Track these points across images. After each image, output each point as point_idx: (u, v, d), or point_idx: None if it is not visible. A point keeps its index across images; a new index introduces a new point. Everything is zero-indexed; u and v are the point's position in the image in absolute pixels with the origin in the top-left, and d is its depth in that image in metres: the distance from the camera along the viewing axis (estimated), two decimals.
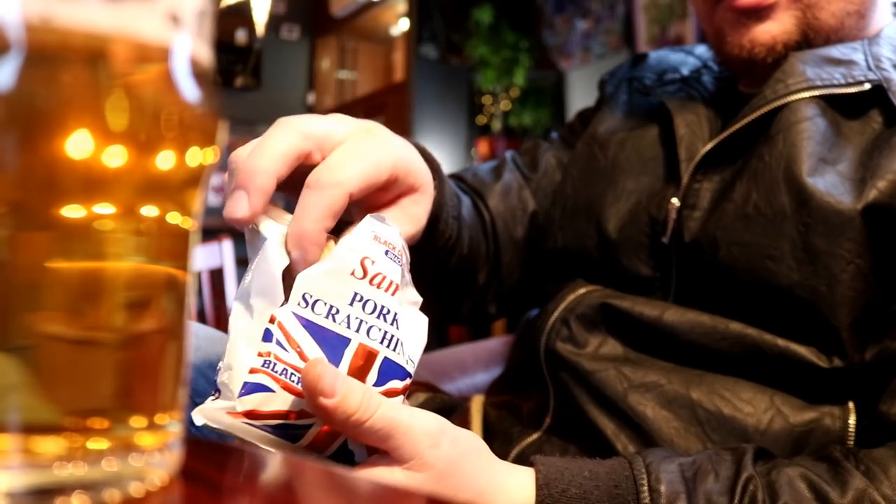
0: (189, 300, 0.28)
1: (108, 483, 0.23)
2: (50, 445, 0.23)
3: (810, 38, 0.68)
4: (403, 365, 0.44)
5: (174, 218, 0.26)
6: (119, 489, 0.23)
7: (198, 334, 0.62)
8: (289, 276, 0.43)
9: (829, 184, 0.60)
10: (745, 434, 0.60)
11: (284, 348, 0.41)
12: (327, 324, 0.42)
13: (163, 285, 0.26)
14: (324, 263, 0.42)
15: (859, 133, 0.63)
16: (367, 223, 0.44)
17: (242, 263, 0.48)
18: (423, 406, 0.77)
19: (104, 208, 0.24)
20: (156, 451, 0.25)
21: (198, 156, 0.26)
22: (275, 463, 0.32)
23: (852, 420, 0.58)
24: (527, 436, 0.69)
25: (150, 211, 0.25)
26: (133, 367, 0.25)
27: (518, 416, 0.72)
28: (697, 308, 0.65)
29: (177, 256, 0.27)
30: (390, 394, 0.43)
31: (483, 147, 4.02)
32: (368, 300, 0.43)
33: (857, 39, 0.69)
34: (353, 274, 0.42)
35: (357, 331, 0.43)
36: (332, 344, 0.42)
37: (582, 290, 0.72)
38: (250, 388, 0.41)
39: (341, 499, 0.27)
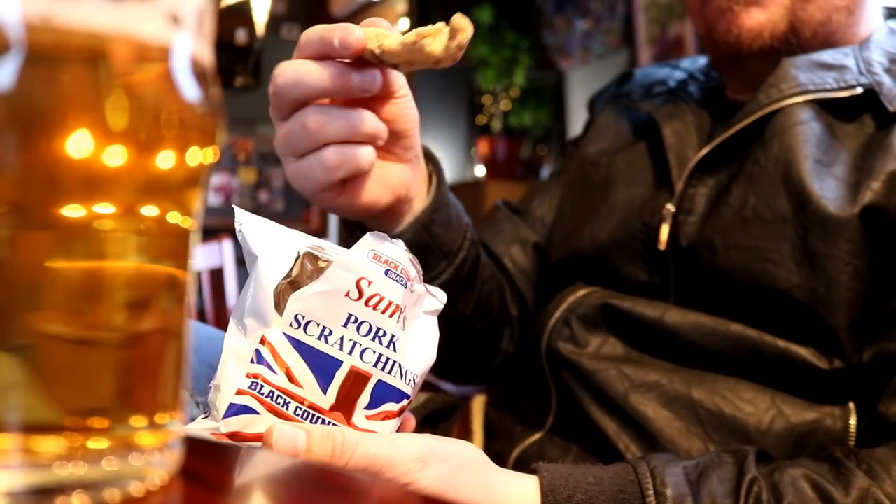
0: (189, 300, 0.28)
1: (109, 482, 0.23)
2: (50, 445, 0.23)
3: (797, 29, 0.69)
4: (400, 387, 0.43)
5: (174, 218, 0.26)
6: (119, 489, 0.23)
7: (198, 334, 0.62)
8: (289, 293, 0.42)
9: (826, 187, 0.60)
10: (747, 434, 0.60)
11: (273, 370, 0.41)
12: (319, 345, 0.42)
13: (163, 285, 0.26)
14: (317, 284, 0.42)
15: (853, 136, 0.63)
16: (367, 241, 0.43)
17: (242, 263, 0.48)
18: (423, 406, 0.77)
19: (104, 208, 0.24)
20: (156, 451, 0.25)
21: (198, 155, 0.26)
22: (275, 463, 0.32)
23: (853, 421, 0.59)
24: (528, 436, 0.69)
25: (150, 211, 0.25)
26: (133, 366, 0.25)
27: (519, 417, 0.72)
28: (697, 310, 0.65)
29: (177, 256, 0.27)
30: (384, 416, 0.43)
31: (483, 147, 4.01)
32: (363, 322, 0.42)
33: (845, 37, 0.70)
34: (347, 295, 0.42)
35: (350, 353, 0.42)
36: (324, 366, 0.42)
37: (582, 292, 0.72)
38: (235, 410, 0.41)
39: (341, 499, 0.27)
